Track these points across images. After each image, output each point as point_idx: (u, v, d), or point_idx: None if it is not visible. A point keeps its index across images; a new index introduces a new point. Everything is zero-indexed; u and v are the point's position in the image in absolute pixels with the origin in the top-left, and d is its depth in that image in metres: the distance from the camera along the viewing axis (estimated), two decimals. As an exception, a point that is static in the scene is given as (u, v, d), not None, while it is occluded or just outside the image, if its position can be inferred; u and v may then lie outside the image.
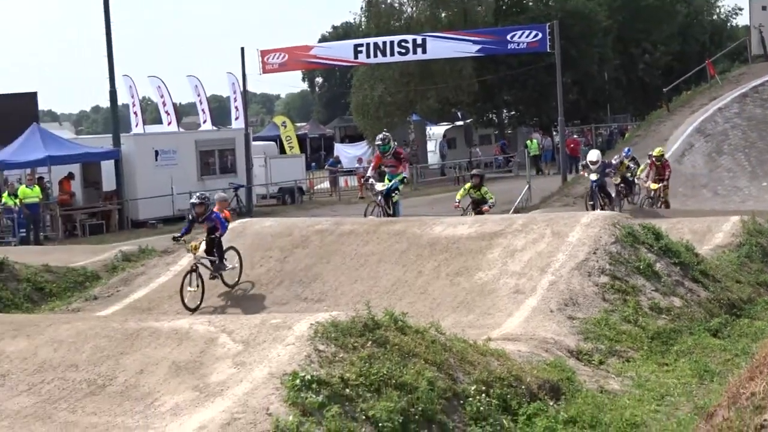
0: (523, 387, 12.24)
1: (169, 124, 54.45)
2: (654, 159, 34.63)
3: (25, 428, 11.15)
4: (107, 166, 44.97)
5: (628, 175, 33.80)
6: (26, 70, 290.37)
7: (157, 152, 45.55)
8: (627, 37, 78.39)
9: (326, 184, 61.73)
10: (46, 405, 11.81)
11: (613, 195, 31.87)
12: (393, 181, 24.61)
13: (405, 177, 25.38)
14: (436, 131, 72.16)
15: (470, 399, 11.42)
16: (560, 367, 13.63)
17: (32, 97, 52.52)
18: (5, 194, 37.67)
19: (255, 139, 57.53)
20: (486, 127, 78.11)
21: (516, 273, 18.10)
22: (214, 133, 52.04)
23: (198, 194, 21.04)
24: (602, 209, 28.89)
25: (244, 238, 21.79)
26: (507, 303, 17.23)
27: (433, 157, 69.63)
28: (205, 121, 55.17)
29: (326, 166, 65.37)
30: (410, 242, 20.11)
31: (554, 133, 63.96)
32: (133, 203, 43.82)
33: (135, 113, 53.85)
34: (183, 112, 63.06)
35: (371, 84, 63.58)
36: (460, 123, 72.08)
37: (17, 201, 37.30)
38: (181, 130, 55.37)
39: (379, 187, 24.43)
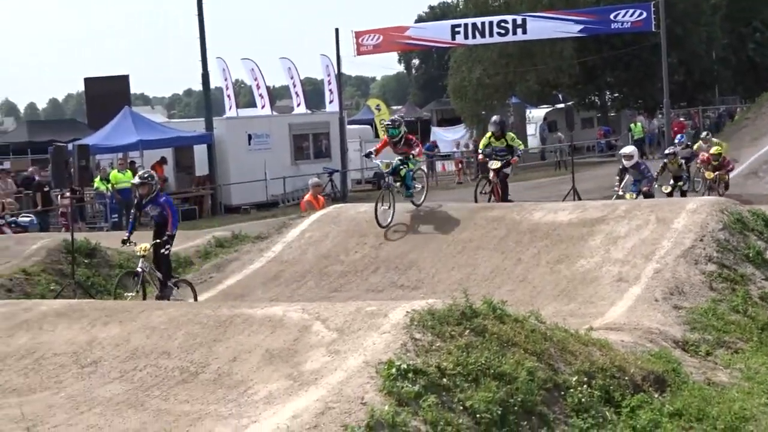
0: (626, 378, 12.13)
1: (263, 107, 54.68)
2: (711, 157, 33.07)
3: (117, 415, 11.31)
4: (200, 151, 45.27)
5: (677, 166, 30.09)
6: (119, 53, 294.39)
7: (250, 136, 45.69)
8: (736, 16, 76.90)
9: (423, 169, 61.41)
10: (138, 392, 11.97)
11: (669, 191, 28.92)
12: (407, 169, 21.85)
13: (413, 155, 22.11)
14: (536, 114, 71.64)
15: (571, 390, 11.35)
16: (665, 358, 13.47)
17: (124, 80, 53.16)
18: (97, 179, 38.19)
19: (350, 123, 57.56)
20: (588, 109, 77.27)
21: (619, 260, 17.93)
22: (308, 117, 52.13)
23: (141, 173, 19.50)
24: None
25: (338, 224, 21.86)
26: (609, 291, 17.08)
27: (532, 141, 69.04)
28: (298, 105, 55.31)
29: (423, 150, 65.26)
30: (509, 228, 20.01)
31: (659, 115, 63.03)
32: (225, 188, 44.10)
33: (228, 96, 54.27)
34: (276, 95, 63.46)
35: (469, 66, 63.25)
36: (561, 106, 71.55)
37: (109, 186, 37.79)
38: (275, 113, 55.54)
39: (384, 166, 21.89)
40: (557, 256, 18.65)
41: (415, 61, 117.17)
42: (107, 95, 48.43)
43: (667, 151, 30.79)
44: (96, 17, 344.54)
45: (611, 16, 45.80)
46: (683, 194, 28.56)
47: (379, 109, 67.19)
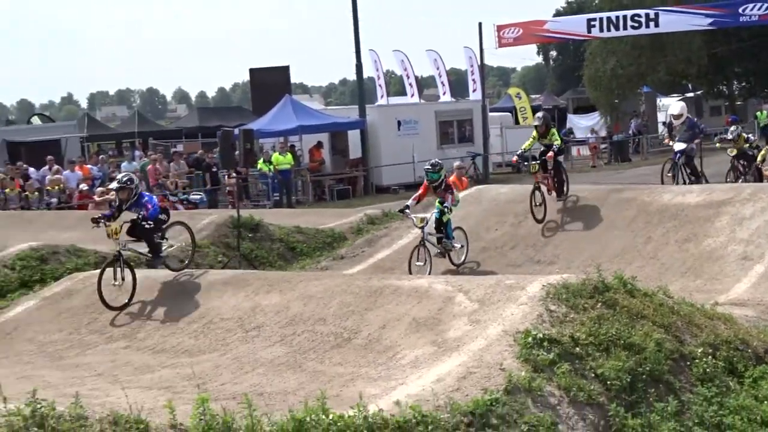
0: (749, 350, 11.90)
1: (412, 96, 54.81)
2: None
3: (277, 376, 11.52)
4: (353, 135, 45.60)
5: (747, 146, 27.17)
6: (281, 45, 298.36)
7: (399, 122, 45.87)
8: None
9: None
10: (296, 355, 12.19)
11: (729, 170, 26.47)
12: (440, 208, 19.49)
13: (447, 206, 19.30)
14: (667, 103, 70.26)
15: (697, 360, 11.20)
16: (788, 332, 13.16)
17: (285, 70, 53.78)
18: (260, 161, 38.75)
19: (491, 110, 57.26)
20: (716, 98, 75.52)
21: (744, 240, 17.59)
22: (452, 105, 52.01)
23: (119, 177, 16.65)
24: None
25: (479, 204, 21.85)
26: (734, 269, 16.78)
27: (663, 129, 67.76)
28: (444, 93, 55.29)
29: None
30: (639, 209, 19.77)
31: (785, 103, 61.44)
32: (377, 170, 44.35)
33: (380, 86, 54.48)
34: (424, 84, 63.48)
35: (603, 57, 62.37)
36: (691, 95, 70.10)
37: (271, 167, 38.29)
38: (422, 101, 55.63)
39: (418, 222, 19.07)
40: (685, 235, 18.39)
41: (553, 53, 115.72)
42: (270, 84, 49.06)
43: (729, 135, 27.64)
44: (260, 13, 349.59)
45: (740, 10, 44.63)
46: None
47: (519, 98, 66.78)
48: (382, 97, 54.43)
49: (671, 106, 25.54)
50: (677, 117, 23.47)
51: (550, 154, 20.94)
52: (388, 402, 9.55)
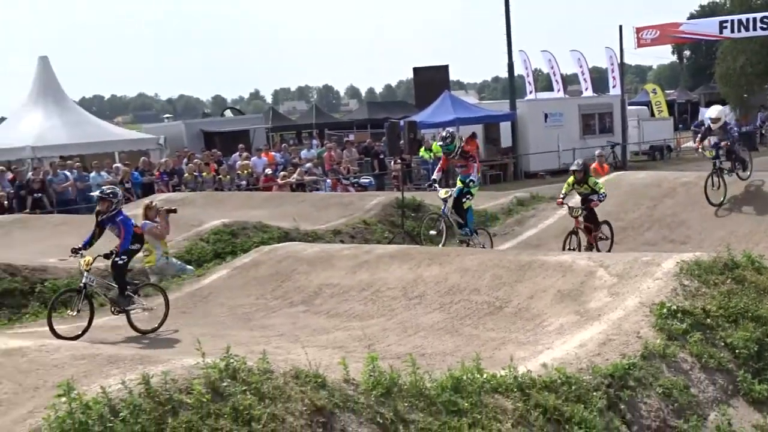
0: None
1: (558, 91, 54.26)
2: None
3: (437, 339, 11.57)
4: (504, 127, 45.37)
5: None
6: (440, 46, 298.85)
7: (546, 115, 45.50)
8: None
9: (692, 143, 59.58)
10: (453, 321, 12.21)
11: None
12: (461, 186, 18.04)
13: (473, 179, 17.97)
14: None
15: (819, 331, 10.82)
16: None
17: (445, 69, 53.73)
18: (422, 149, 38.78)
19: (629, 104, 56.24)
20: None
21: None
22: (594, 99, 51.20)
23: (103, 188, 14.48)
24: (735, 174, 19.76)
25: (619, 188, 21.43)
26: None
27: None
28: (586, 89, 54.45)
29: (692, 127, 63.06)
30: (763, 196, 19.21)
31: None
32: (525, 157, 44.02)
33: (528, 82, 53.94)
34: (568, 81, 62.54)
35: (734, 56, 60.61)
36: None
37: (431, 154, 38.25)
38: (567, 96, 54.96)
39: (443, 194, 17.72)
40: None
41: (687, 52, 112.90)
42: (431, 81, 49.12)
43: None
44: (422, 17, 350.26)
45: None
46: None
47: (654, 93, 65.36)
48: (530, 92, 53.87)
49: (710, 109, 21.54)
50: (715, 120, 20.02)
51: (596, 201, 18.06)
52: (536, 364, 9.54)
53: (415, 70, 54.87)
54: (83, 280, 13.12)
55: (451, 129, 18.41)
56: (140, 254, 16.36)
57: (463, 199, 17.66)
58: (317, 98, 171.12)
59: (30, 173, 28.54)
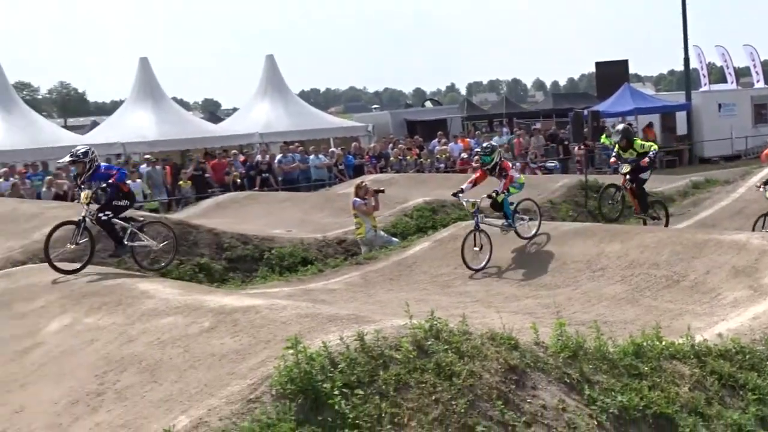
0: None
1: (732, 83, 51.99)
2: None
3: (618, 308, 11.33)
4: (680, 116, 43.98)
5: None
6: (619, 41, 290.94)
7: (720, 105, 43.80)
8: None
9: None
10: (634, 292, 11.92)
11: None
12: (504, 195, 14.81)
13: (497, 191, 14.63)
14: None
15: None
16: None
17: (624, 63, 52.03)
18: (603, 136, 37.85)
19: (801, 95, 53.40)
20: None
21: None
22: (765, 90, 48.96)
23: (73, 150, 12.75)
24: None
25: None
26: None
27: None
28: (758, 81, 51.97)
29: None
30: None
31: None
32: (699, 144, 42.48)
33: (703, 75, 51.95)
34: (741, 74, 59.66)
35: None
36: None
37: (610, 141, 37.24)
38: (739, 88, 52.55)
39: (470, 207, 14.58)
40: None
41: None
42: (611, 75, 47.68)
43: None
44: (602, 15, 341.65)
45: None
46: None
47: (827, 83, 61.66)
48: (704, 84, 51.85)
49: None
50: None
51: (645, 159, 16.31)
52: (712, 334, 9.22)
53: (597, 64, 53.36)
54: (82, 214, 12.33)
55: (495, 142, 16.18)
56: (352, 227, 16.98)
57: (498, 196, 14.64)
58: (506, 90, 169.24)
59: (258, 156, 29.48)
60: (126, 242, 12.67)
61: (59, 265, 11.93)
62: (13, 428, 7.53)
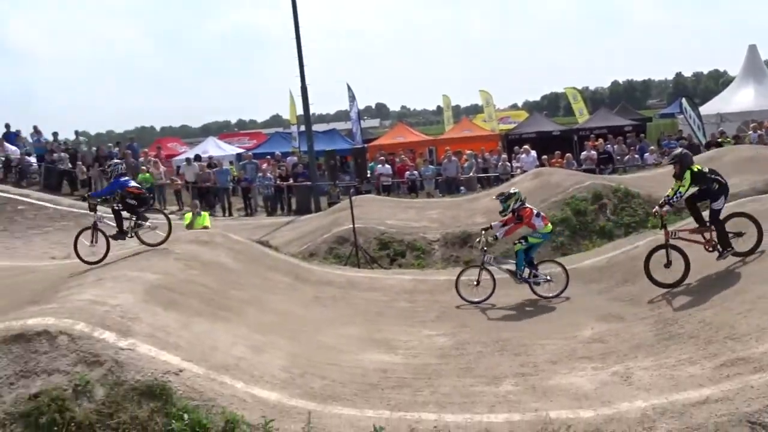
0: None
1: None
2: None
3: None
4: None
5: None
6: None
7: None
8: None
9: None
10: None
11: None
12: (521, 247, 11.46)
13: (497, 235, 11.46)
14: None
15: None
16: None
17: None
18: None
19: None
20: None
21: None
22: None
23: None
24: None
25: None
26: None
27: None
28: None
29: None
30: None
31: None
32: None
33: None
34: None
35: None
36: None
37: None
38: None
39: (478, 244, 11.90)
40: None
41: None
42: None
43: None
44: None
45: None
46: None
47: None
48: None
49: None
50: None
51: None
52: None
53: None
54: (93, 219, 12.19)
55: (508, 191, 11.79)
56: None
57: (516, 243, 11.58)
58: None
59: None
60: (126, 230, 12.35)
61: (84, 257, 11.94)
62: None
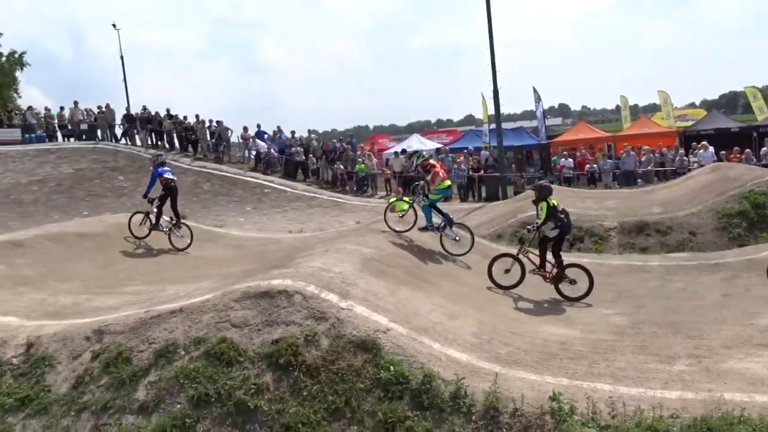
0: None
1: None
2: None
3: None
4: None
5: None
6: None
7: None
8: None
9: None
10: None
11: None
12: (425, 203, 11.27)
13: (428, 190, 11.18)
14: None
15: None
16: None
17: None
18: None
19: None
20: None
21: None
22: None
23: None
24: None
25: None
26: None
27: None
28: None
29: None
30: None
31: None
32: None
33: None
34: None
35: None
36: None
37: None
38: None
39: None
40: None
41: None
42: None
43: None
44: None
45: None
46: None
47: None
48: None
49: None
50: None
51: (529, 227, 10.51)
52: None
53: None
54: (147, 210, 12.98)
55: (414, 149, 11.01)
56: None
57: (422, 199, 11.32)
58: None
59: None
60: (160, 225, 13.00)
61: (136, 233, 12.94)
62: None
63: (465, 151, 26.70)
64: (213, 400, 6.57)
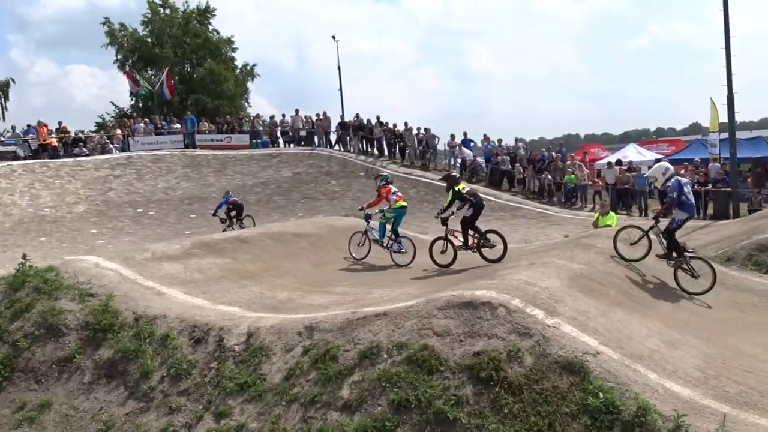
0: None
1: None
2: None
3: None
4: None
5: None
6: None
7: None
8: None
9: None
10: None
11: None
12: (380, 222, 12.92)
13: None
14: None
15: None
16: None
17: None
18: None
19: None
20: None
21: None
22: None
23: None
24: None
25: None
26: None
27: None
28: None
29: None
30: None
31: None
32: None
33: None
34: None
35: None
36: None
37: None
38: None
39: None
40: None
41: None
42: None
43: None
44: None
45: None
46: None
47: None
48: None
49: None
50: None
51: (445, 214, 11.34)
52: None
53: None
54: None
55: (382, 173, 13.51)
56: None
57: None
58: None
59: None
60: (226, 228, 18.12)
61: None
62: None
63: (689, 162, 24.57)
64: (413, 406, 6.68)
